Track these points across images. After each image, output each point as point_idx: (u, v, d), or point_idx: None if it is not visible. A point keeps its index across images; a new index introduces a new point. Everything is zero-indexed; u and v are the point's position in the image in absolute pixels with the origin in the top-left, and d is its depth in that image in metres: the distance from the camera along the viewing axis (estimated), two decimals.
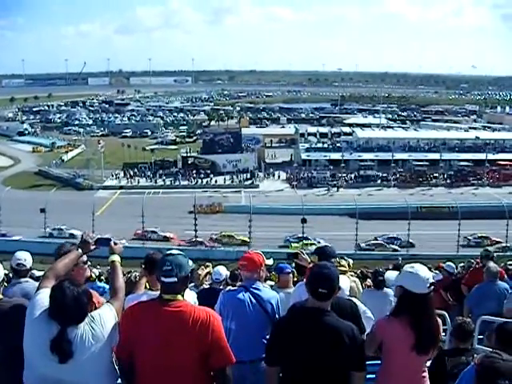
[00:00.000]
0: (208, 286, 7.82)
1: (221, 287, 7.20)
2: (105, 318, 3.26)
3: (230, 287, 5.56)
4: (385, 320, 3.93)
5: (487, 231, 41.58)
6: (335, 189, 61.47)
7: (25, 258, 4.73)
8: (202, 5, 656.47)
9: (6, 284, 4.51)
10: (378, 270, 7.58)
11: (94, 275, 10.96)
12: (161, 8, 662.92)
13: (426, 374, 3.89)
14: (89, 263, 4.27)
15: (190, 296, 4.23)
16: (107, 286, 11.51)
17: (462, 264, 13.13)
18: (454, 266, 10.71)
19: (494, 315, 5.89)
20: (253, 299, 4.44)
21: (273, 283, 7.72)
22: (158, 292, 3.45)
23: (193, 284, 7.71)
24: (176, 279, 3.32)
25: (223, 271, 7.67)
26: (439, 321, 3.92)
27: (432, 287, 3.77)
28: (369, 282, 9.01)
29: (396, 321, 3.77)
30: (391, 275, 6.93)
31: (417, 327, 3.69)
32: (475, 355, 3.46)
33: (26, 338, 3.16)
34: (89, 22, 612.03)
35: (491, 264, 7.79)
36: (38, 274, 5.96)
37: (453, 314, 6.32)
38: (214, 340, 3.28)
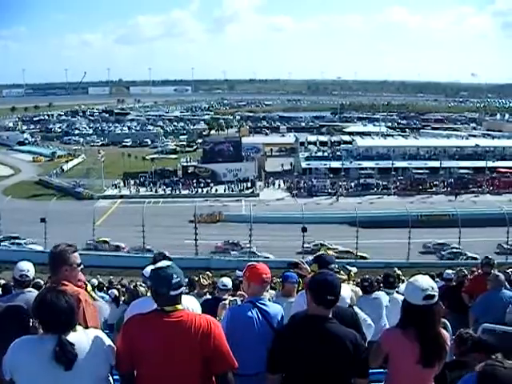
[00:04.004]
0: (210, 296, 7.85)
1: (225, 296, 7.23)
2: (104, 336, 3.33)
3: (233, 299, 5.56)
4: (391, 332, 3.94)
5: (487, 239, 41.50)
6: (335, 197, 61.58)
7: (28, 268, 4.71)
8: (203, 14, 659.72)
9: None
10: (365, 277, 7.86)
11: (90, 287, 10.86)
12: (162, 17, 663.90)
13: None
14: (82, 267, 4.26)
15: (192, 302, 4.25)
16: (107, 296, 11.53)
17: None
18: (451, 273, 10.72)
19: (500, 324, 5.88)
20: (260, 315, 4.41)
21: (274, 292, 7.74)
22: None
23: (195, 291, 7.77)
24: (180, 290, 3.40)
25: (229, 281, 7.75)
26: (445, 334, 3.88)
27: (433, 300, 3.72)
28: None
29: (402, 333, 3.76)
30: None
31: (421, 340, 3.68)
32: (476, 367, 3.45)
33: (17, 367, 3.11)
34: (90, 31, 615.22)
35: (497, 272, 7.79)
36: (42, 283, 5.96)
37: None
38: (215, 346, 3.32)
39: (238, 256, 39.36)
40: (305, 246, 40.54)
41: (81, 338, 3.18)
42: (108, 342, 3.32)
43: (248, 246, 41.29)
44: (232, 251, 41.94)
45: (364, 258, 39.34)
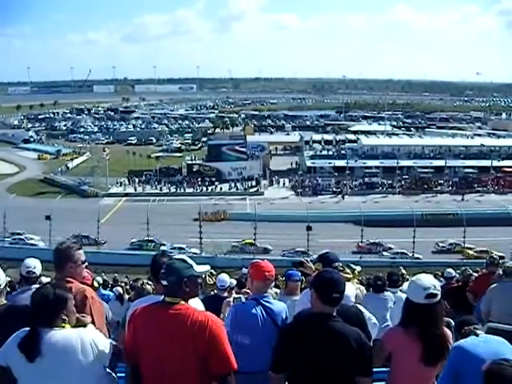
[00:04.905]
0: (212, 293, 7.86)
1: (225, 294, 7.23)
2: (98, 336, 3.30)
3: (237, 296, 5.57)
4: (393, 331, 3.95)
5: (492, 238, 41.41)
6: (340, 196, 61.56)
7: (34, 265, 4.73)
8: (209, 13, 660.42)
9: (8, 289, 4.52)
10: (379, 275, 7.70)
11: (96, 283, 10.91)
12: (168, 16, 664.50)
13: None
14: (86, 264, 4.32)
15: (194, 301, 4.25)
16: (111, 294, 11.55)
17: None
18: (453, 272, 10.70)
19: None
20: (264, 313, 4.43)
21: (279, 290, 7.75)
22: (162, 296, 3.50)
23: (201, 290, 7.77)
24: (166, 282, 3.39)
25: (227, 278, 7.72)
26: (448, 332, 3.87)
27: (436, 298, 3.72)
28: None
29: (404, 331, 3.77)
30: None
31: (424, 338, 3.68)
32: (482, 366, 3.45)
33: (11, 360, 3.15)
34: (95, 30, 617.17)
35: (501, 271, 7.76)
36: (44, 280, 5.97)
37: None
38: (210, 343, 3.24)
39: (385, 257, 39.23)
40: (440, 245, 41.64)
41: (68, 336, 3.15)
42: (103, 342, 3.25)
43: (390, 245, 42.01)
44: (383, 252, 41.46)
45: (501, 258, 38.54)
